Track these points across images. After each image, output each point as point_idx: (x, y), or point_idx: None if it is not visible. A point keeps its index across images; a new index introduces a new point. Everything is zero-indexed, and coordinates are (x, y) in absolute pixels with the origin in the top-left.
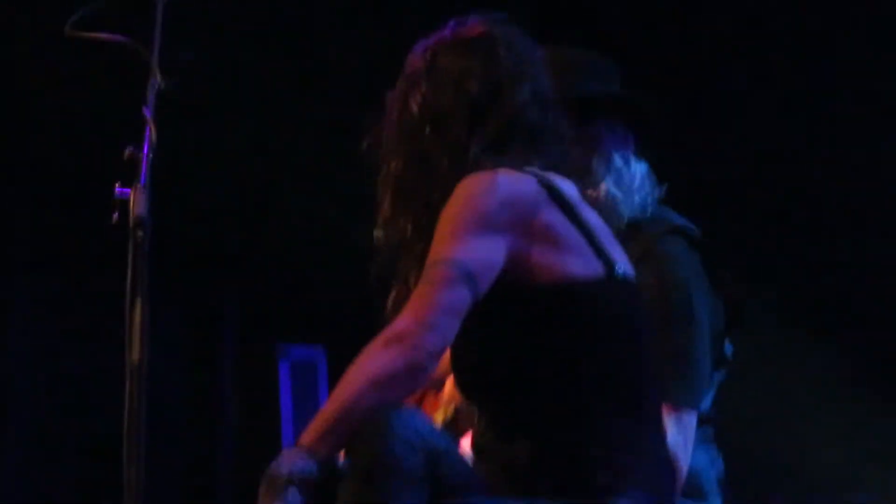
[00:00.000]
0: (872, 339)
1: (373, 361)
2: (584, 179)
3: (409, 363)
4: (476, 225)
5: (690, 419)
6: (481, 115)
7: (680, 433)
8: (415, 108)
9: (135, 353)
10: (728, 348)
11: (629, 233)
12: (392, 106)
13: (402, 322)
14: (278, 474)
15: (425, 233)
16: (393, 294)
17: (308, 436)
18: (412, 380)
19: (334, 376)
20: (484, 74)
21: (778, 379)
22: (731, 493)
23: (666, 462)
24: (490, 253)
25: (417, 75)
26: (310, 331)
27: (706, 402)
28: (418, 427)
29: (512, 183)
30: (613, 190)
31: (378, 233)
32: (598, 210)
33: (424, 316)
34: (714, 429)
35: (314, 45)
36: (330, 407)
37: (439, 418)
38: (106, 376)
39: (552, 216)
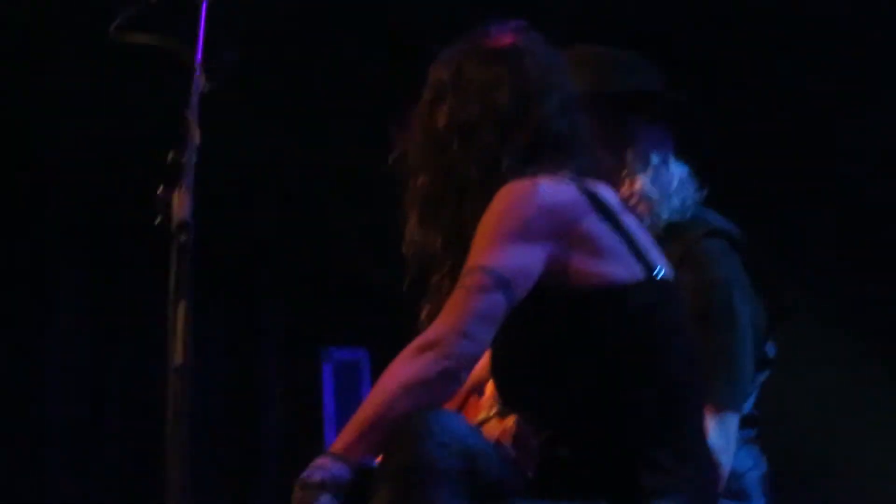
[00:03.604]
0: None
1: (406, 368)
2: (619, 177)
3: (442, 370)
4: (515, 232)
5: (733, 420)
6: (510, 126)
7: (722, 434)
8: (441, 121)
9: (178, 354)
10: (771, 349)
11: (669, 235)
12: (417, 119)
13: (437, 329)
14: (311, 480)
15: (456, 247)
16: (426, 309)
17: (341, 441)
18: (445, 386)
19: (377, 379)
20: (511, 85)
21: (822, 379)
22: (775, 494)
23: (708, 464)
24: (527, 260)
25: (442, 87)
26: (353, 333)
27: (749, 404)
28: (455, 429)
29: (553, 190)
30: (649, 187)
31: (407, 248)
32: (634, 205)
33: (459, 323)
34: (757, 430)
35: (364, 46)
36: (363, 412)
37: (481, 418)
38: (149, 377)
39: (593, 223)
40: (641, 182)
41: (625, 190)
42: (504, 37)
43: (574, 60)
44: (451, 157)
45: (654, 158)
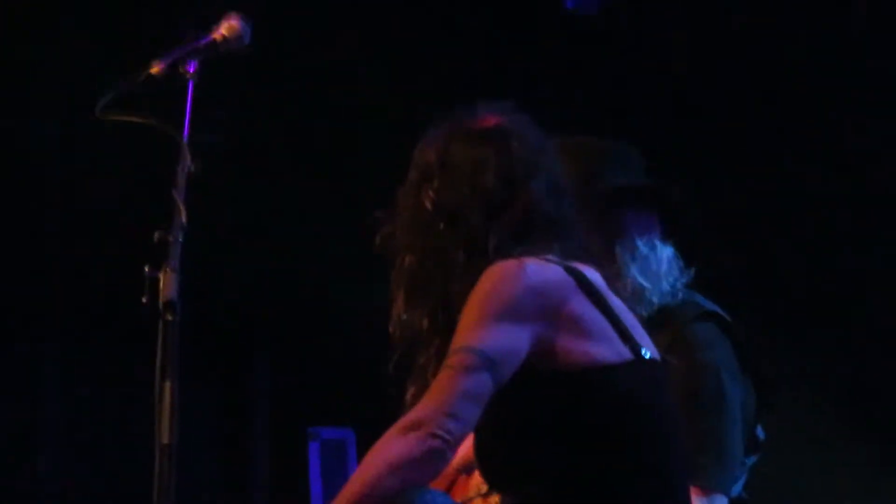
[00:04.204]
0: None
1: (392, 447)
2: (608, 267)
3: (428, 449)
4: (501, 312)
5: (722, 502)
6: (496, 209)
7: None
8: (428, 203)
9: (164, 434)
10: (760, 432)
11: (659, 318)
12: (404, 200)
13: (423, 408)
14: None
15: (442, 327)
16: (412, 389)
17: None
18: (431, 465)
19: (363, 458)
20: (498, 167)
21: (812, 462)
22: None
23: None
24: (514, 341)
25: (429, 168)
26: (339, 413)
27: (738, 486)
28: None
29: (539, 271)
30: (640, 279)
31: (393, 328)
32: (626, 299)
33: (445, 403)
34: None
35: (344, 121)
36: (349, 491)
37: (468, 497)
38: (137, 458)
39: (579, 304)
40: (632, 274)
41: (616, 285)
42: (491, 118)
43: (560, 154)
44: (438, 239)
45: (642, 247)
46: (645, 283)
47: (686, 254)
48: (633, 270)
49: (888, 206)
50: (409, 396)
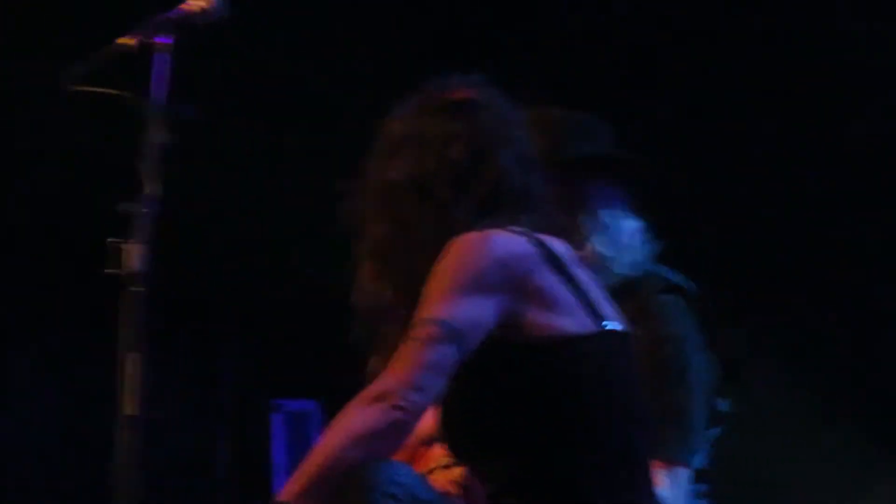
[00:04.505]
0: (875, 397)
1: (355, 419)
2: (571, 238)
3: (392, 421)
4: (467, 284)
5: (683, 474)
6: (465, 180)
7: (673, 489)
8: (396, 174)
9: (128, 406)
10: (723, 405)
11: (624, 290)
12: (372, 171)
13: (387, 380)
14: None
15: (407, 299)
16: (375, 360)
17: (289, 491)
18: (395, 437)
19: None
20: (467, 139)
21: (776, 435)
22: None
23: None
24: (479, 312)
25: (398, 140)
26: (304, 385)
27: (700, 459)
28: (403, 480)
29: (505, 243)
30: (601, 249)
31: (357, 298)
32: (588, 266)
33: (408, 374)
34: (709, 485)
35: (316, 99)
36: (311, 462)
37: (433, 466)
38: (104, 429)
39: (544, 276)
40: (594, 244)
41: (578, 254)
42: (460, 90)
43: (527, 125)
44: (406, 211)
45: (606, 217)
46: (607, 254)
47: (660, 227)
48: (596, 241)
49: (873, 183)
50: (372, 367)
